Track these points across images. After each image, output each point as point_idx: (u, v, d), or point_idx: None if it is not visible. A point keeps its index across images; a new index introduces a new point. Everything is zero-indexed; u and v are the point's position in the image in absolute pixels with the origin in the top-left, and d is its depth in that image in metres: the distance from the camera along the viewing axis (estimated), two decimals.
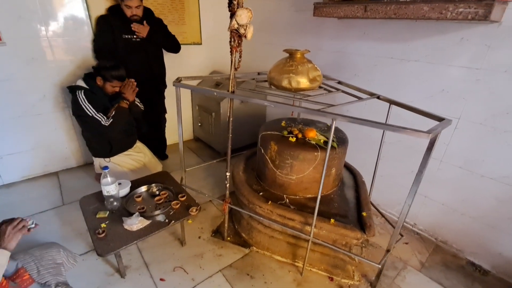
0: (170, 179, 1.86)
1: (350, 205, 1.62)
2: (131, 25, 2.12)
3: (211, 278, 1.54)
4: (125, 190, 1.63)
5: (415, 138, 1.14)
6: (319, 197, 1.32)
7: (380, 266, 1.37)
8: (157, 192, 1.67)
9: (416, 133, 1.00)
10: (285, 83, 1.53)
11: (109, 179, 1.46)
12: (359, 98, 1.49)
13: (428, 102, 1.71)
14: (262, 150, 1.70)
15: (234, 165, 1.96)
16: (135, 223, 1.37)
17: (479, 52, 1.45)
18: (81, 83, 1.92)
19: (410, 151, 1.87)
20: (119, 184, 1.64)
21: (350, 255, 1.48)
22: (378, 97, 1.53)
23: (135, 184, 1.71)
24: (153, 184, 1.72)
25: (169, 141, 2.96)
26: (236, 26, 1.25)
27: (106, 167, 1.46)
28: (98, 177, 2.30)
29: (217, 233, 1.86)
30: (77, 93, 1.85)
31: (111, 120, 1.89)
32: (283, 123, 1.85)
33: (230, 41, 1.33)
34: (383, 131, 1.58)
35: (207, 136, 3.06)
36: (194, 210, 1.54)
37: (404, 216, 1.25)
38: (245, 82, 2.62)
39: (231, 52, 1.37)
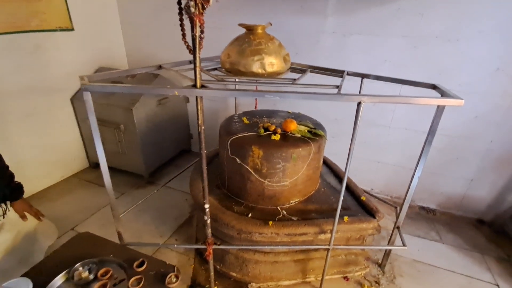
0: (98, 241, 1.15)
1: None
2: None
3: None
4: None
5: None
6: (340, 199, 1.09)
7: (407, 247, 1.30)
8: (92, 276, 0.97)
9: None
10: (256, 67, 1.16)
11: None
12: (340, 77, 1.32)
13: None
14: (238, 160, 1.28)
15: (192, 188, 1.44)
16: None
17: (414, 21, 1.56)
18: None
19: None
20: None
21: (371, 248, 1.36)
22: (347, 73, 1.42)
23: (38, 280, 0.93)
24: (78, 265, 0.99)
25: (34, 185, 1.95)
26: None
27: None
28: None
29: (198, 287, 1.34)
30: None
31: None
32: (244, 119, 1.48)
33: (184, 7, 0.84)
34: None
35: (114, 159, 2.19)
36: (174, 278, 0.98)
37: (412, 191, 1.23)
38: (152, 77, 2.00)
39: (182, 25, 0.88)
